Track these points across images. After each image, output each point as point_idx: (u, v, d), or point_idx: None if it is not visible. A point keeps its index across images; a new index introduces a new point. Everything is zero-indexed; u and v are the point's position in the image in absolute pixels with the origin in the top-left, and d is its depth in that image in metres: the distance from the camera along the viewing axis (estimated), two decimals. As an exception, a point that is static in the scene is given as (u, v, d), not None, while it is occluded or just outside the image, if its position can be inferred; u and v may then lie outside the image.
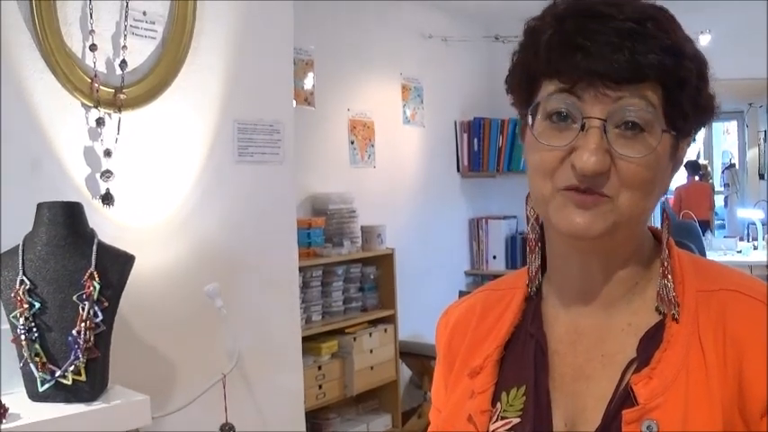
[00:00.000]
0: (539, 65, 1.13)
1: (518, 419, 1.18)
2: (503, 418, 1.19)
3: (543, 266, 1.29)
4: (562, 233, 1.15)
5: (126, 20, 2.85)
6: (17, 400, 2.36)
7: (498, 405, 1.20)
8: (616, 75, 1.06)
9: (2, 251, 2.44)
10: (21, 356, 2.34)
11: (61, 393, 2.34)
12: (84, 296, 2.35)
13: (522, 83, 1.18)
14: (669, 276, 1.17)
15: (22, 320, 2.31)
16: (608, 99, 1.08)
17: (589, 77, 1.07)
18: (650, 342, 1.14)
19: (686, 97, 1.11)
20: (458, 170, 7.31)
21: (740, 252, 8.77)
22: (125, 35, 2.84)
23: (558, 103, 1.11)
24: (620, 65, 1.06)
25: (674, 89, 1.10)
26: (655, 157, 1.10)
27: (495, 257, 7.38)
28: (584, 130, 1.09)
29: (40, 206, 2.43)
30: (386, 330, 5.76)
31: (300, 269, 4.07)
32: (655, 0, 1.15)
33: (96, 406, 2.36)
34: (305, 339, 4.09)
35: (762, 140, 14.67)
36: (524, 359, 1.23)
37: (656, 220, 1.32)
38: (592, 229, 1.10)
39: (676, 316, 1.13)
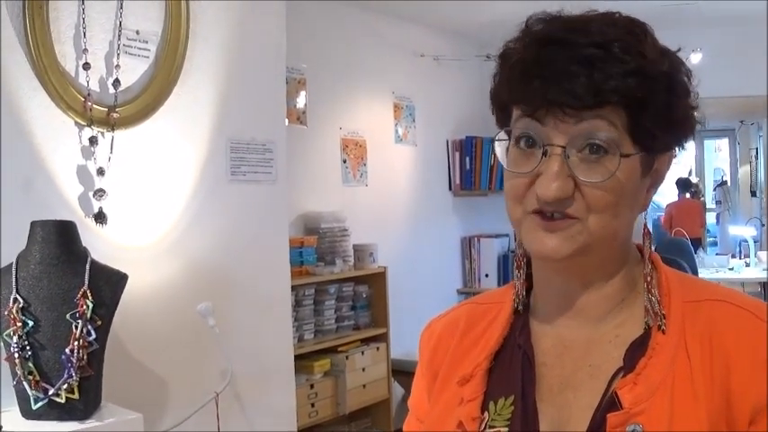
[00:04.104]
0: (505, 93, 1.16)
1: (506, 429, 1.19)
2: (491, 427, 1.20)
3: (530, 282, 1.30)
4: (533, 255, 1.19)
5: (119, 39, 2.86)
6: (10, 418, 2.36)
7: (486, 414, 1.22)
8: (574, 102, 1.07)
9: (-3, 269, 2.44)
10: (14, 375, 2.34)
11: (54, 411, 2.34)
12: (78, 314, 2.35)
13: (497, 109, 1.21)
14: (654, 291, 1.18)
15: (15, 339, 2.31)
16: (568, 124, 1.09)
17: (548, 105, 1.09)
18: (637, 350, 1.15)
19: (650, 117, 1.10)
20: (450, 189, 7.30)
21: (732, 269, 8.75)
22: (118, 54, 2.85)
23: (522, 129, 1.13)
24: (576, 93, 1.07)
25: (637, 110, 1.09)
26: (617, 181, 1.10)
27: (487, 276, 7.36)
28: (546, 156, 1.10)
29: (33, 224, 2.43)
30: (378, 349, 5.74)
31: (293, 288, 4.07)
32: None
33: (89, 424, 2.36)
34: (297, 358, 4.08)
35: (753, 158, 14.77)
36: (512, 370, 1.24)
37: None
38: (560, 251, 1.12)
39: (662, 327, 1.14)
